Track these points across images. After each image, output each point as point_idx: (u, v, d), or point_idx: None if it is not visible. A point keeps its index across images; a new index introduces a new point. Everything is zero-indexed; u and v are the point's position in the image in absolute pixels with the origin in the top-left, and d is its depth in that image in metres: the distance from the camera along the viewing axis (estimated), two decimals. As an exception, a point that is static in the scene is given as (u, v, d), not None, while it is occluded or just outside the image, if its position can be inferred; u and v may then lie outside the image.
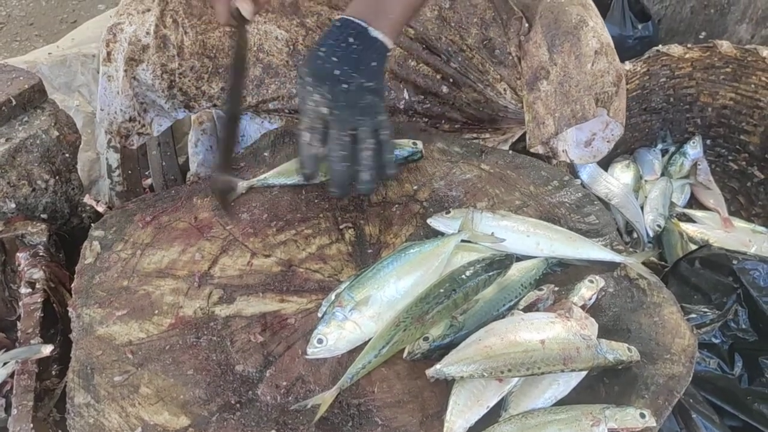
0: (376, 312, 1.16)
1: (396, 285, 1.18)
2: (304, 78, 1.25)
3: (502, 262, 1.19)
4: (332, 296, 1.21)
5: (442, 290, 1.14)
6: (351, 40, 1.24)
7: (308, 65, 1.26)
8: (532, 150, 1.49)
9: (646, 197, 2.23)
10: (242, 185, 1.42)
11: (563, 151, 1.44)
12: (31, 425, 1.17)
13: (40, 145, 1.54)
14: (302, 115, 1.26)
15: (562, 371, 1.05)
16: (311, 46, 1.45)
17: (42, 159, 1.55)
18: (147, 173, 2.26)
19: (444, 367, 1.05)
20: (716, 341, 1.62)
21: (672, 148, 2.40)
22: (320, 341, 1.14)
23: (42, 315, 1.33)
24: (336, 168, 1.25)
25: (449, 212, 1.31)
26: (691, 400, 1.46)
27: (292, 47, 1.61)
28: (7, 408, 1.32)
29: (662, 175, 2.32)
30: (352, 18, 1.26)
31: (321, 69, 1.23)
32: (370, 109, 1.24)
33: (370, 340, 1.14)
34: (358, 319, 1.15)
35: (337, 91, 1.22)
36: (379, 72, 1.28)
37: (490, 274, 1.16)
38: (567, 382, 1.07)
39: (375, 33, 1.25)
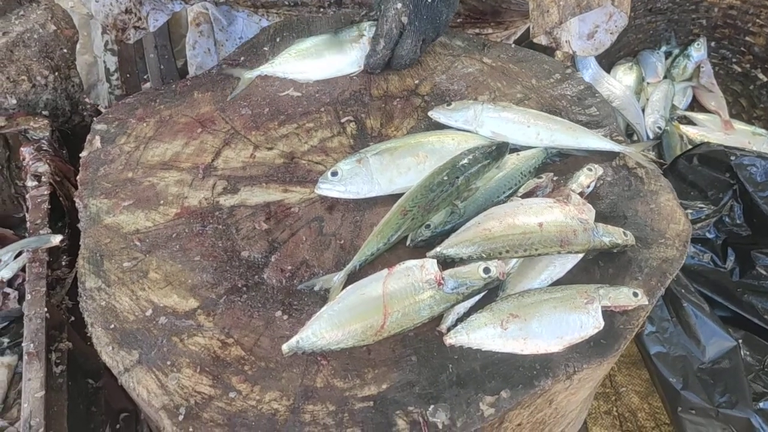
0: (391, 176, 1.21)
1: (415, 158, 1.23)
2: None
3: (500, 148, 1.20)
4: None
5: (445, 177, 1.15)
6: None
7: None
8: (535, 40, 1.47)
9: (647, 100, 2.22)
10: (247, 75, 1.43)
11: (566, 41, 1.42)
12: (45, 309, 1.21)
13: (38, 39, 1.52)
14: (381, 22, 1.37)
15: (559, 253, 1.08)
16: None
17: (40, 54, 1.54)
18: (146, 77, 2.24)
19: (444, 249, 1.08)
20: (710, 236, 1.65)
21: (676, 51, 2.37)
22: (335, 174, 1.19)
23: (49, 207, 1.35)
24: (397, 65, 1.44)
25: (450, 104, 1.31)
26: (683, 291, 1.51)
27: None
28: (21, 299, 1.36)
29: (665, 77, 2.31)
30: None
31: None
32: (443, 24, 1.40)
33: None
34: (375, 166, 1.20)
35: (420, 4, 1.35)
36: None
37: (489, 160, 1.18)
38: (563, 264, 1.10)
39: None
